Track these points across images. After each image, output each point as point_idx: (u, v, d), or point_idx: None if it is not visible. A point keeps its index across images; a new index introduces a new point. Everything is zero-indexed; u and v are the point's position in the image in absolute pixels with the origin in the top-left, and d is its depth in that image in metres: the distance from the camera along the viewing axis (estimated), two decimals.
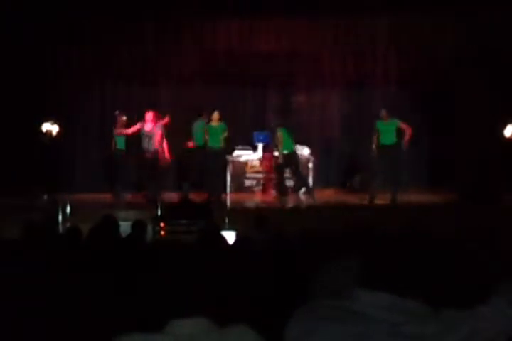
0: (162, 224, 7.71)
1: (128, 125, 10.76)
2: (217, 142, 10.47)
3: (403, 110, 11.03)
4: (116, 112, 10.80)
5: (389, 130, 9.96)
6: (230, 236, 5.07)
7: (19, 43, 10.69)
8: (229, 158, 11.48)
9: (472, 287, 2.68)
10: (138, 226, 5.37)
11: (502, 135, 10.74)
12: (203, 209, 8.09)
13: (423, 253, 1.81)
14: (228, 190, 11.42)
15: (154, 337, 1.75)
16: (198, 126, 10.73)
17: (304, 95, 13.15)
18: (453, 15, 11.10)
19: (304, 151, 11.89)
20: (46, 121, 11.03)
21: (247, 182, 11.81)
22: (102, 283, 3.17)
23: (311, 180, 11.70)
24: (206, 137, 10.49)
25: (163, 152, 10.59)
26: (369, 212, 9.33)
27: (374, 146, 10.04)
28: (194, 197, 10.23)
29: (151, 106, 11.54)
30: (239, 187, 11.68)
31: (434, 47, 11.34)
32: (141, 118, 10.73)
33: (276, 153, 10.65)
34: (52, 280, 3.14)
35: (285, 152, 10.43)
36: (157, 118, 10.66)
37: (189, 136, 10.89)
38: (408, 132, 9.92)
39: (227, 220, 8.30)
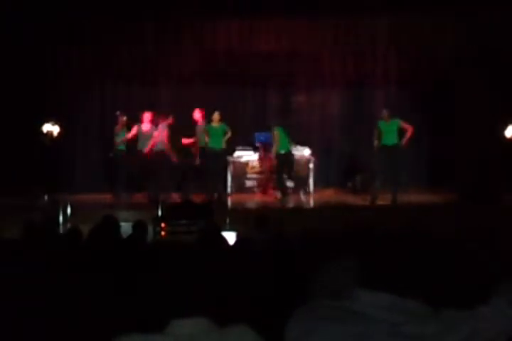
0: (163, 225, 7.71)
1: (128, 125, 10.76)
2: (217, 143, 10.46)
3: (403, 110, 11.02)
4: (117, 112, 10.81)
5: (390, 130, 9.94)
6: (230, 237, 5.07)
7: (19, 43, 10.69)
8: (230, 158, 11.47)
9: (472, 287, 2.68)
10: (138, 226, 5.37)
11: (502, 135, 10.74)
12: (203, 210, 8.09)
13: (423, 253, 1.81)
14: (229, 190, 11.43)
15: (154, 337, 1.75)
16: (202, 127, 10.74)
17: (304, 95, 13.15)
18: (453, 15, 11.09)
19: (304, 151, 11.89)
20: (47, 121, 11.03)
21: (248, 183, 11.81)
22: (102, 283, 3.17)
23: (311, 180, 11.71)
24: (206, 138, 10.47)
25: (169, 152, 10.59)
26: (369, 212, 9.34)
27: (375, 146, 10.02)
28: (195, 197, 10.23)
29: (151, 106, 11.56)
30: (239, 187, 11.68)
31: (434, 47, 11.33)
32: (137, 120, 10.72)
33: (272, 151, 10.64)
34: (52, 280, 3.14)
35: (282, 151, 10.42)
36: (160, 118, 10.66)
37: (186, 135, 10.87)
38: (410, 131, 9.91)
39: (227, 221, 8.30)
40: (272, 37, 11.65)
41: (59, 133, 11.18)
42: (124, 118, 10.73)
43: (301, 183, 11.68)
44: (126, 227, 5.25)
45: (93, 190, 11.27)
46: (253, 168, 11.78)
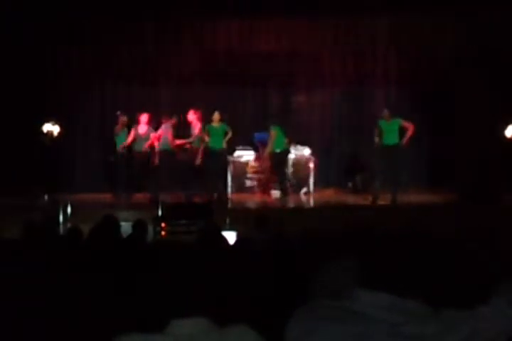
0: (163, 225, 7.71)
1: (128, 125, 10.77)
2: (218, 143, 10.44)
3: (403, 110, 11.02)
4: (118, 112, 10.81)
5: (391, 130, 9.93)
6: (230, 237, 5.08)
7: (19, 43, 10.69)
8: (230, 158, 11.47)
9: (472, 287, 2.68)
10: (139, 226, 5.37)
11: (502, 135, 10.73)
12: (203, 210, 8.09)
13: (423, 253, 1.81)
14: (229, 190, 11.43)
15: (154, 337, 1.75)
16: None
17: (304, 95, 13.15)
18: (453, 15, 11.10)
19: (304, 151, 11.90)
20: (47, 121, 11.03)
21: (248, 183, 11.81)
22: (102, 283, 3.17)
23: (311, 180, 11.72)
24: (206, 138, 10.46)
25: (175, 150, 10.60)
26: (369, 212, 9.33)
27: (376, 144, 10.01)
28: (195, 197, 10.24)
29: (152, 106, 11.56)
30: (240, 187, 11.68)
31: (434, 47, 11.34)
32: (134, 121, 10.71)
33: (267, 151, 10.65)
34: (52, 280, 3.14)
35: (277, 150, 10.42)
36: (163, 119, 10.66)
37: (178, 136, 10.84)
38: (411, 129, 9.90)
39: (227, 220, 8.30)
40: (272, 37, 11.65)
41: (59, 133, 11.18)
42: (125, 118, 10.73)
43: (301, 183, 11.69)
44: (126, 227, 5.25)
45: (93, 190, 11.27)
46: (253, 167, 11.78)
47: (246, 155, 11.80)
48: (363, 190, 11.36)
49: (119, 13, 10.88)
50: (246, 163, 11.80)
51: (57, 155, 11.48)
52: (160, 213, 8.07)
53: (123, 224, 5.05)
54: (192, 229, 7.35)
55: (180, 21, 11.45)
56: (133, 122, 10.75)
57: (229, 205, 10.36)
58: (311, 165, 11.79)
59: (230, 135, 10.51)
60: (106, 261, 3.67)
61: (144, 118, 10.64)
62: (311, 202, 11.15)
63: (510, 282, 1.74)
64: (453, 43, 11.16)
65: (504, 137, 10.74)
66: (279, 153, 10.44)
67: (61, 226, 8.03)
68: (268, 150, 10.53)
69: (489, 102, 10.54)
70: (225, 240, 4.09)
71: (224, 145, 10.52)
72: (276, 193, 11.11)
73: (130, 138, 10.61)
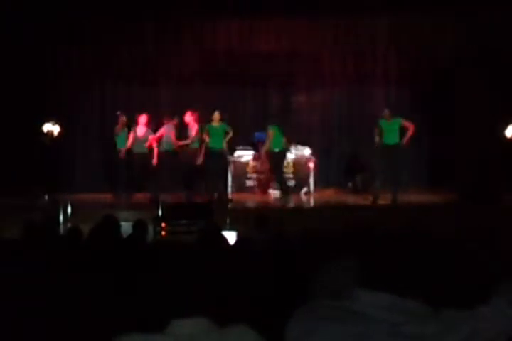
0: (163, 225, 7.71)
1: (128, 125, 10.76)
2: (218, 143, 10.43)
3: (403, 110, 11.03)
4: (118, 112, 10.80)
5: (392, 129, 9.93)
6: (230, 237, 5.08)
7: (19, 43, 10.69)
8: (230, 158, 11.47)
9: (472, 287, 2.68)
10: (139, 226, 5.37)
11: (502, 135, 10.73)
12: (203, 210, 8.09)
13: (423, 253, 1.81)
14: (229, 190, 11.42)
15: (154, 337, 1.75)
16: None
17: (304, 95, 13.15)
18: (453, 15, 11.09)
19: (304, 151, 11.90)
20: (47, 121, 11.03)
21: (248, 183, 11.81)
22: (102, 283, 3.17)
23: (311, 180, 11.72)
24: (207, 138, 10.45)
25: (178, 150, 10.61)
26: (369, 212, 9.34)
27: (377, 143, 10.00)
28: (195, 197, 10.23)
29: (152, 106, 11.56)
30: (240, 187, 11.68)
31: (434, 47, 11.33)
32: (133, 122, 10.69)
33: (263, 150, 10.66)
34: (52, 280, 3.14)
35: (276, 150, 10.41)
36: (165, 119, 10.66)
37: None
38: (411, 129, 9.90)
39: (228, 220, 8.31)
40: (272, 37, 11.65)
41: (59, 133, 11.18)
42: (124, 117, 10.72)
43: (302, 183, 11.69)
44: (126, 227, 5.25)
45: (93, 190, 11.27)
46: (253, 167, 11.78)
47: (246, 155, 11.80)
48: (363, 190, 11.36)
49: (119, 13, 10.88)
50: (246, 163, 11.80)
51: (57, 155, 11.48)
52: (160, 213, 8.07)
53: (123, 224, 5.05)
54: (192, 229, 7.35)
55: (180, 21, 11.44)
56: (132, 122, 10.75)
57: (229, 205, 10.36)
58: (311, 165, 11.79)
59: (230, 135, 10.50)
60: (106, 261, 3.67)
61: (142, 119, 10.61)
62: (311, 202, 11.15)
63: (510, 282, 1.74)
64: (453, 43, 11.16)
65: (504, 137, 10.74)
66: (278, 152, 10.44)
67: (61, 226, 8.03)
68: (264, 149, 10.54)
69: (489, 102, 10.54)
70: (225, 240, 4.09)
71: (224, 145, 10.52)
72: (275, 193, 11.11)
73: (129, 142, 10.58)
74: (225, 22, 11.55)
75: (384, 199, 10.02)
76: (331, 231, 4.12)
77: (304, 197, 11.50)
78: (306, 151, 11.92)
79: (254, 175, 11.80)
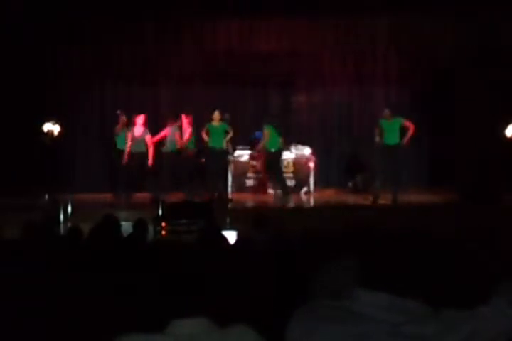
0: (163, 224, 7.71)
1: (128, 125, 10.75)
2: (218, 142, 10.44)
3: (403, 110, 11.02)
4: (118, 111, 10.79)
5: (392, 129, 9.93)
6: (231, 236, 5.07)
7: (19, 43, 10.69)
8: (230, 158, 11.47)
9: (472, 287, 2.68)
10: (139, 225, 5.37)
11: (502, 135, 10.73)
12: (204, 209, 8.09)
13: (423, 253, 1.81)
14: (230, 190, 11.42)
15: (154, 337, 1.75)
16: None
17: (304, 95, 13.16)
18: (453, 15, 11.10)
19: (304, 151, 11.89)
20: (47, 121, 11.03)
21: (248, 182, 11.81)
22: (102, 283, 3.17)
23: (311, 180, 11.72)
24: (207, 137, 10.45)
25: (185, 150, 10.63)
26: (369, 212, 9.34)
27: (377, 143, 9.99)
28: (195, 197, 10.23)
29: (152, 107, 11.57)
30: (240, 187, 11.68)
31: (434, 47, 11.34)
32: (131, 123, 10.69)
33: (257, 149, 10.66)
34: (52, 280, 3.14)
35: (272, 150, 10.40)
36: (168, 120, 10.67)
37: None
38: (411, 128, 9.90)
39: (228, 220, 8.31)
40: (272, 37, 11.66)
41: (59, 133, 11.18)
42: (124, 117, 10.70)
43: (301, 183, 11.69)
44: (126, 226, 5.25)
45: (93, 190, 11.27)
46: (253, 167, 11.78)
47: (246, 155, 11.81)
48: (363, 190, 11.36)
49: (119, 13, 10.89)
50: (246, 163, 11.80)
51: (58, 155, 11.48)
52: (160, 212, 8.07)
53: (123, 223, 5.05)
54: (192, 229, 7.35)
55: (180, 21, 11.45)
56: (131, 122, 10.73)
57: (229, 205, 10.36)
58: (311, 164, 11.79)
59: (231, 134, 10.50)
60: (106, 260, 3.67)
61: (139, 119, 10.57)
62: (311, 202, 11.15)
63: (510, 282, 1.74)
64: (453, 43, 11.16)
65: (504, 137, 10.74)
66: (274, 152, 10.42)
67: (61, 226, 8.03)
68: (258, 148, 10.55)
69: (489, 102, 10.54)
70: (225, 240, 4.09)
71: (224, 144, 10.52)
72: (274, 193, 11.10)
73: (128, 144, 10.55)
74: (225, 22, 11.56)
75: (384, 199, 10.02)
76: (331, 231, 4.11)
77: (303, 197, 11.50)
78: (306, 151, 11.92)
79: (254, 175, 11.80)
